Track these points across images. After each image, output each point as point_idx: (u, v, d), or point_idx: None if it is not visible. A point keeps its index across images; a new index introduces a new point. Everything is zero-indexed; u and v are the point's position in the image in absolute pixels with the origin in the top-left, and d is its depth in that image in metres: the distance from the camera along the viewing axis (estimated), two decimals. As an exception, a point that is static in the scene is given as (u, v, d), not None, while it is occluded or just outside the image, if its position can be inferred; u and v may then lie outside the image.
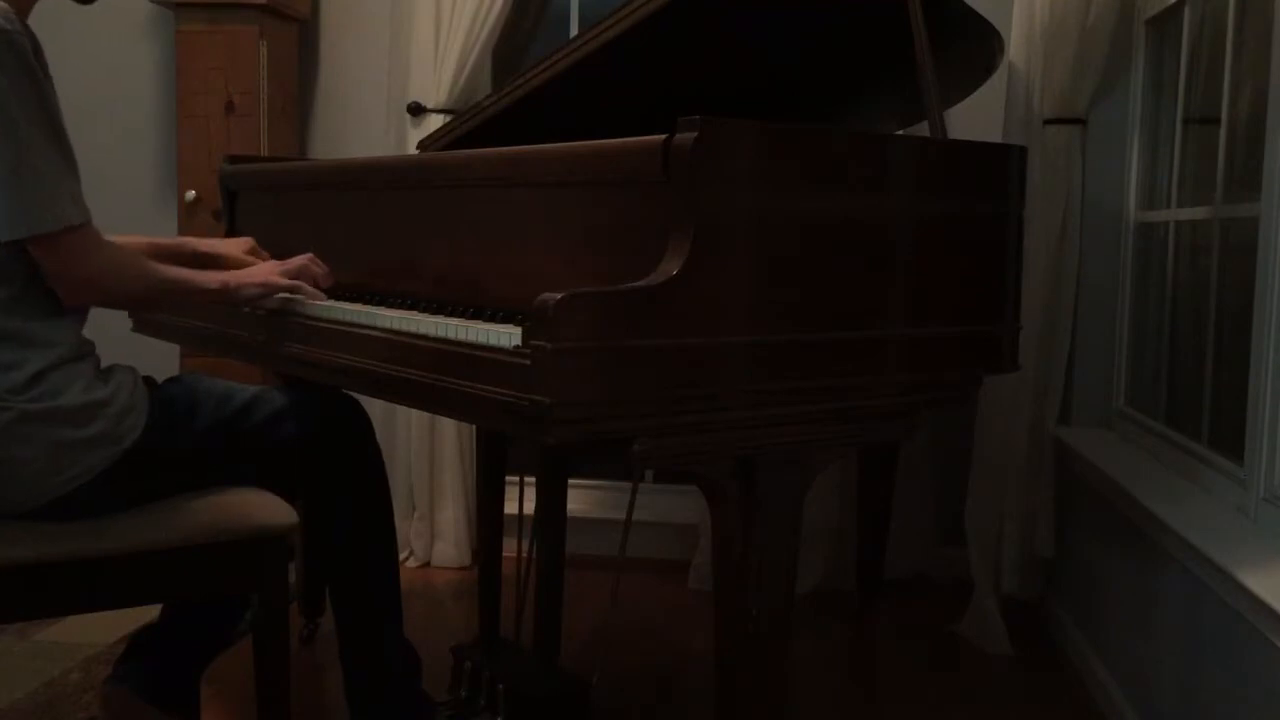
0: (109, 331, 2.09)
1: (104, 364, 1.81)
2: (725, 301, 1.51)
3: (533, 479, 2.49)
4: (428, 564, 3.51)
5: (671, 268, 1.47)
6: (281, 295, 1.97)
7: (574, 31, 3.58)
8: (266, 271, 1.97)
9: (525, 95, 2.17)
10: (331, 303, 1.91)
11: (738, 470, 1.59)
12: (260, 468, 1.90)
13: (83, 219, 1.68)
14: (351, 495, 2.00)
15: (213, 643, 2.11)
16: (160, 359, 2.95)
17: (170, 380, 1.91)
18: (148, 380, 1.85)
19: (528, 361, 1.41)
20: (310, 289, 1.97)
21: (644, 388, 1.45)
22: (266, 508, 1.84)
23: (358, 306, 1.84)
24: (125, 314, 2.44)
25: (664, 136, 1.51)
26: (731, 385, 1.53)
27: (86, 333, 1.81)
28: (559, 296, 1.38)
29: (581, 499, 3.54)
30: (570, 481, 2.64)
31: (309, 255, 2.02)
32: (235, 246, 2.17)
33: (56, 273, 1.68)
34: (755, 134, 1.55)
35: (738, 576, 1.61)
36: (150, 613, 2.10)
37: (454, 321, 1.61)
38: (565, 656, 2.54)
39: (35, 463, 1.66)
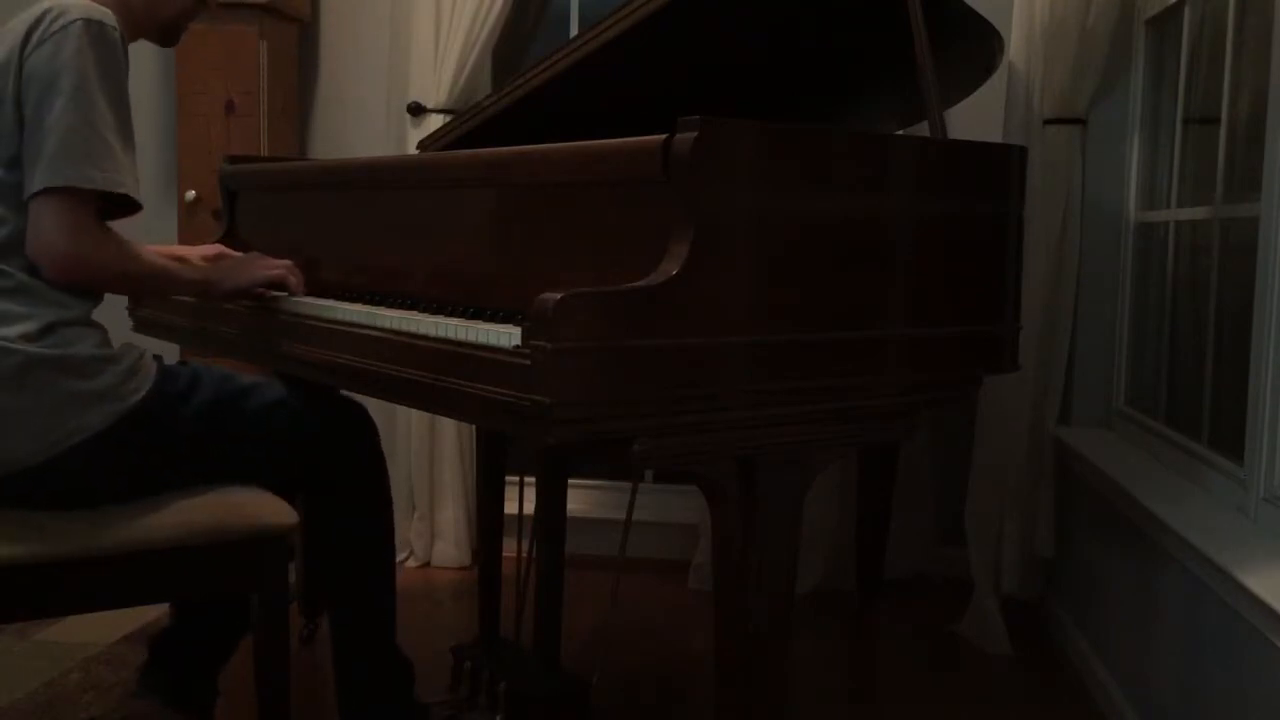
0: (109, 332, 2.09)
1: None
2: (725, 301, 1.51)
3: (533, 479, 2.49)
4: (428, 564, 3.51)
5: (671, 268, 1.47)
6: (259, 291, 2.00)
7: (574, 31, 3.58)
8: (246, 267, 2.01)
9: (525, 95, 2.17)
10: (332, 302, 1.91)
11: (738, 470, 1.59)
12: (258, 458, 1.90)
13: (134, 193, 1.77)
14: (351, 499, 2.00)
15: (229, 641, 2.13)
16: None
17: (177, 363, 1.95)
18: (156, 357, 1.89)
19: (528, 361, 1.41)
20: (291, 280, 2.01)
21: (644, 388, 1.45)
22: (266, 507, 1.84)
23: (358, 306, 1.84)
24: (126, 314, 2.44)
25: (664, 136, 1.51)
26: (731, 385, 1.53)
27: None
28: (559, 296, 1.38)
29: (581, 499, 3.54)
30: (570, 481, 2.64)
31: (288, 263, 2.05)
32: (200, 253, 2.20)
33: (40, 238, 1.72)
34: (755, 134, 1.55)
35: (738, 576, 1.61)
36: (150, 613, 2.09)
37: (454, 321, 1.61)
38: (565, 656, 2.54)
39: (40, 412, 1.69)
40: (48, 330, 1.72)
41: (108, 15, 1.76)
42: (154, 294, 2.27)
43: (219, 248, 2.24)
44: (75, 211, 1.72)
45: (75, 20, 1.72)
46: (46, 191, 1.70)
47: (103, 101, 1.73)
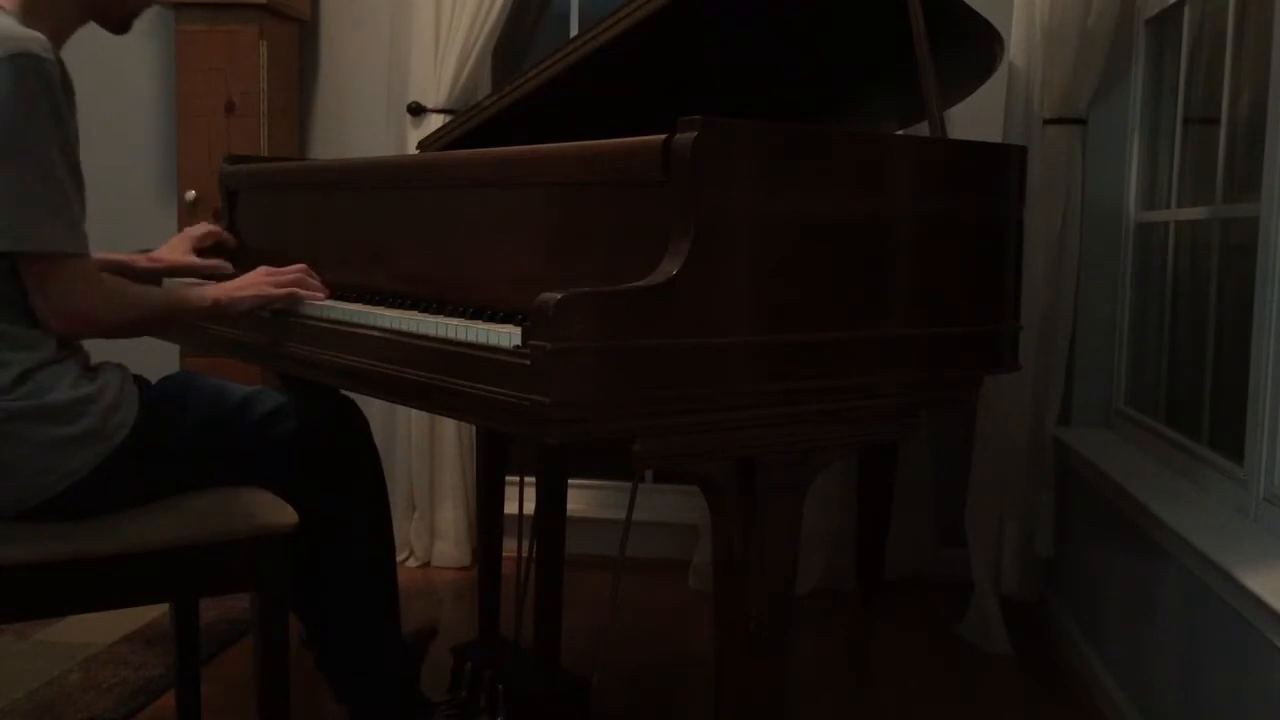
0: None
1: (94, 361, 1.81)
2: (725, 301, 1.51)
3: (533, 479, 2.49)
4: (428, 564, 3.51)
5: (671, 268, 1.47)
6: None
7: (574, 31, 3.58)
8: (259, 283, 1.94)
9: (525, 95, 2.17)
10: (332, 303, 1.91)
11: (738, 470, 1.59)
12: (256, 467, 1.89)
13: (78, 249, 1.68)
14: (350, 496, 2.00)
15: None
16: (160, 359, 2.95)
17: (164, 379, 1.90)
18: (139, 379, 1.84)
19: (528, 361, 1.41)
20: (304, 294, 1.95)
21: (644, 388, 1.45)
22: (266, 508, 1.83)
23: (358, 306, 1.84)
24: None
25: (664, 136, 1.51)
26: (731, 385, 1.53)
27: None
28: (559, 296, 1.38)
29: (581, 499, 3.54)
30: (570, 481, 2.63)
31: (302, 267, 1.99)
32: (176, 250, 2.15)
33: (46, 303, 1.68)
34: (755, 134, 1.55)
35: (738, 576, 1.61)
36: (150, 613, 2.07)
37: (454, 321, 1.61)
38: (565, 656, 2.54)
39: (25, 462, 1.66)
40: (21, 379, 1.67)
41: (38, 43, 1.65)
42: (167, 329, 2.20)
43: (189, 238, 2.18)
44: (66, 269, 1.67)
45: (2, 59, 1.61)
46: (25, 257, 1.65)
47: (45, 147, 1.64)
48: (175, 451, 1.79)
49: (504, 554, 2.62)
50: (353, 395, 2.00)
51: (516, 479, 2.59)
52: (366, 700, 2.02)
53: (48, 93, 1.65)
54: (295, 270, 1.98)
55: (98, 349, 1.84)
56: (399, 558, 3.45)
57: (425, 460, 3.47)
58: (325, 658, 2.04)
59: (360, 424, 2.02)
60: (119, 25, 1.95)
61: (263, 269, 1.99)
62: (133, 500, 1.76)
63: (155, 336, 2.32)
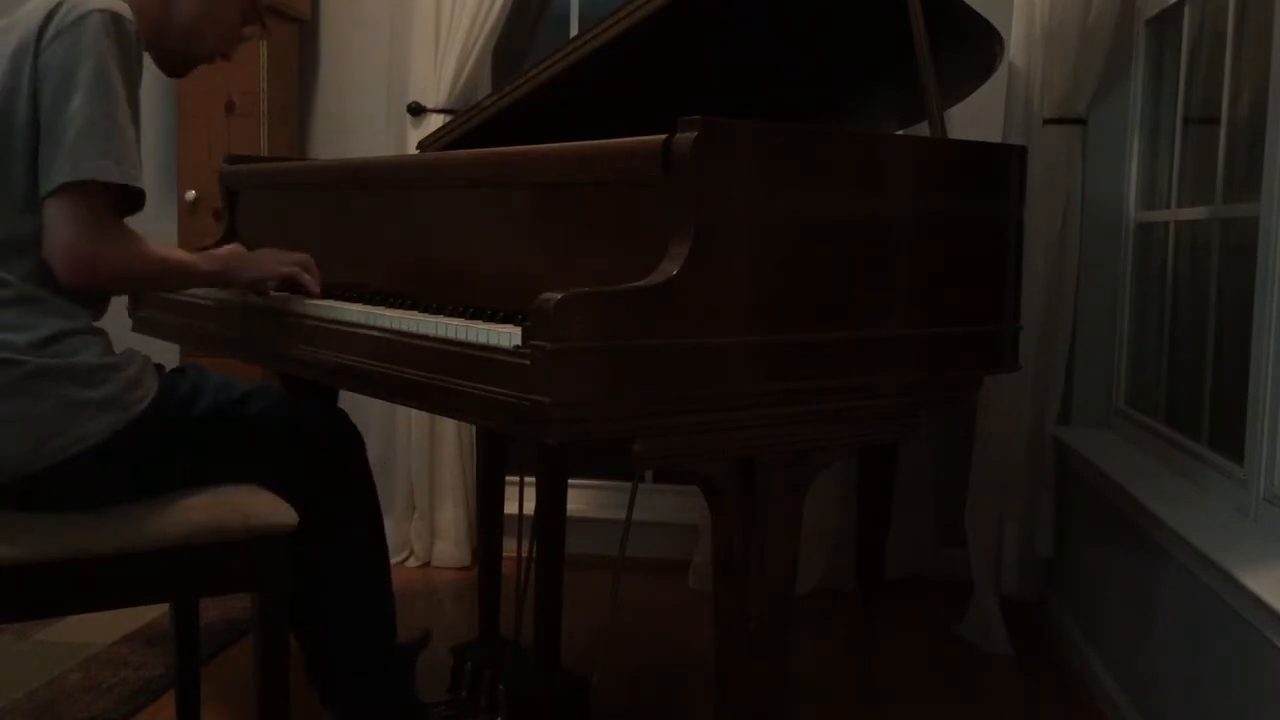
0: (109, 332, 2.08)
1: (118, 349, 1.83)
2: (725, 301, 1.51)
3: (533, 479, 2.49)
4: (428, 564, 3.51)
5: (671, 268, 1.47)
6: (275, 287, 2.00)
7: (574, 31, 3.59)
8: (264, 260, 1.99)
9: (525, 95, 2.17)
10: (332, 303, 1.91)
11: (738, 470, 1.59)
12: (257, 462, 1.90)
13: (136, 184, 1.73)
14: (348, 498, 2.00)
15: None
16: (160, 359, 2.94)
17: (176, 368, 1.93)
18: (157, 366, 1.88)
19: (527, 362, 1.41)
20: (307, 279, 1.99)
21: (644, 388, 1.45)
22: (266, 508, 1.83)
23: (358, 306, 1.84)
24: (125, 314, 2.44)
25: (664, 136, 1.51)
26: (731, 385, 1.53)
27: None
28: (559, 296, 1.38)
29: (581, 499, 3.54)
30: (570, 481, 2.63)
31: (306, 256, 2.03)
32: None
33: (69, 238, 1.69)
34: (755, 134, 1.55)
35: (738, 576, 1.61)
36: (150, 613, 2.06)
37: (454, 321, 1.61)
38: (565, 656, 2.54)
39: (42, 420, 1.67)
40: (52, 340, 1.70)
41: (126, 10, 1.74)
42: (170, 290, 2.24)
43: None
44: (95, 209, 1.69)
45: (92, 12, 1.69)
46: (65, 189, 1.67)
47: (122, 93, 1.72)
48: (181, 435, 1.81)
49: (504, 554, 2.62)
50: (353, 395, 2.00)
51: (516, 479, 2.59)
52: (362, 703, 2.02)
53: (128, 53, 1.74)
54: (300, 256, 2.03)
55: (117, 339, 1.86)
56: (399, 558, 3.45)
57: (425, 460, 3.47)
58: (317, 661, 2.04)
59: (354, 435, 2.02)
60: (176, 66, 2.01)
61: (270, 249, 2.05)
62: (134, 485, 1.77)
63: (155, 292, 2.32)
